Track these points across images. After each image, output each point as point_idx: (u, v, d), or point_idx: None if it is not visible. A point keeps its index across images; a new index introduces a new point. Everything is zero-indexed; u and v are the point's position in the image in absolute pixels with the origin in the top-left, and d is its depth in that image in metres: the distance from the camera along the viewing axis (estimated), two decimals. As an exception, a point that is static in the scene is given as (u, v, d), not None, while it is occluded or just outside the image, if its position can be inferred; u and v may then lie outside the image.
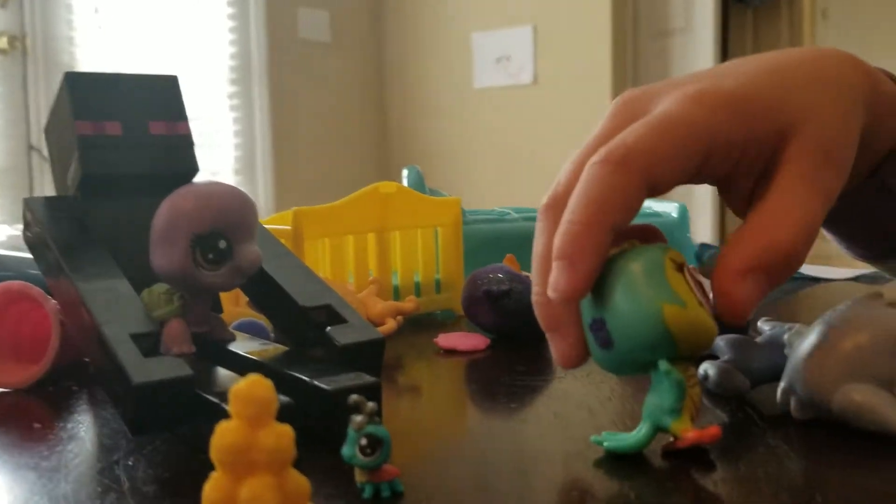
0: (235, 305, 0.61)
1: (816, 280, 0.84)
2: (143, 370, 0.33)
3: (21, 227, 0.45)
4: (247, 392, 0.22)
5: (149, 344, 0.35)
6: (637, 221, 0.33)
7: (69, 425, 0.40)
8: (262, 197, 3.21)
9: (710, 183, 0.35)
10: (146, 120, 0.43)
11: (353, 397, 0.29)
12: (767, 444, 0.34)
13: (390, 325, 0.58)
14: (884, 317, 0.35)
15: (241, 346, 0.41)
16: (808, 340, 0.36)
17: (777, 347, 0.40)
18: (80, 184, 0.41)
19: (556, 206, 0.34)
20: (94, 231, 0.41)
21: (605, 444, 0.33)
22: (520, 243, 0.68)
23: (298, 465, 0.23)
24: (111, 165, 0.41)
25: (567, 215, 0.31)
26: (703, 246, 0.84)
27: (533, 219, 0.77)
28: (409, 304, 0.60)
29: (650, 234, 0.34)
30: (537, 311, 0.34)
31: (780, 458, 0.32)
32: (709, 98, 0.32)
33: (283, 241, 0.46)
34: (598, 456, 0.33)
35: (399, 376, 0.50)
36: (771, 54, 0.36)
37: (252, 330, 0.50)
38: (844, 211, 0.37)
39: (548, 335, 0.34)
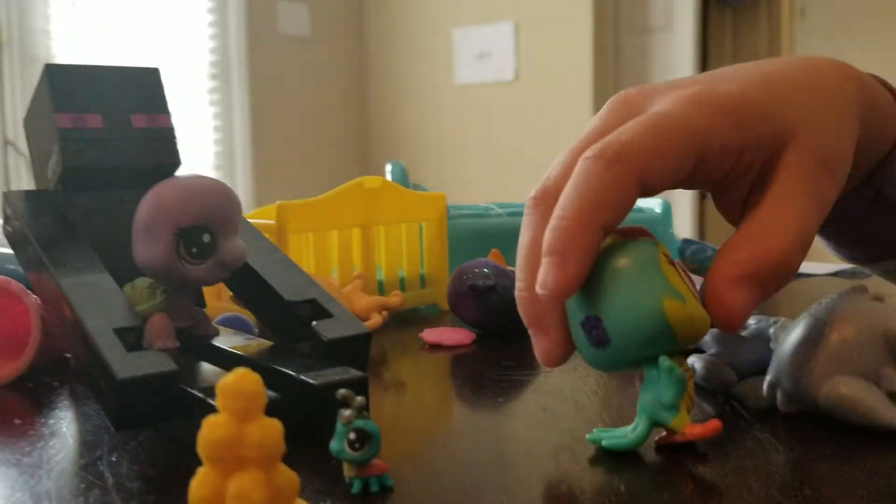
0: (218, 300, 0.61)
1: (797, 275, 0.85)
2: (127, 365, 0.33)
3: (0, 221, 0.44)
4: (235, 386, 0.22)
5: (132, 339, 0.35)
6: None
7: (51, 421, 0.39)
8: (241, 192, 3.19)
9: (704, 188, 0.35)
10: (128, 112, 0.42)
11: (342, 391, 0.29)
12: (754, 438, 0.34)
13: (375, 320, 0.57)
14: (869, 310, 0.35)
15: (226, 341, 0.41)
16: (794, 334, 0.36)
17: (763, 341, 0.40)
18: (61, 177, 0.41)
19: (546, 199, 0.33)
20: (76, 225, 0.41)
21: (603, 442, 0.33)
22: (504, 238, 0.68)
23: (286, 460, 0.23)
24: (92, 158, 0.41)
25: (558, 211, 0.31)
26: (686, 241, 0.84)
27: (518, 214, 0.77)
28: (393, 298, 0.60)
29: (637, 234, 0.33)
30: (521, 307, 0.34)
31: (768, 451, 0.32)
32: (706, 101, 0.32)
33: (266, 235, 0.46)
34: (587, 449, 0.33)
35: (384, 371, 0.50)
36: (767, 62, 0.36)
37: (236, 325, 0.49)
38: (837, 217, 0.37)
39: (531, 332, 0.34)
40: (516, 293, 0.34)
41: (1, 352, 0.47)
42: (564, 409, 0.39)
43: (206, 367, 0.38)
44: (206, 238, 0.38)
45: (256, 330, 0.51)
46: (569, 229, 0.30)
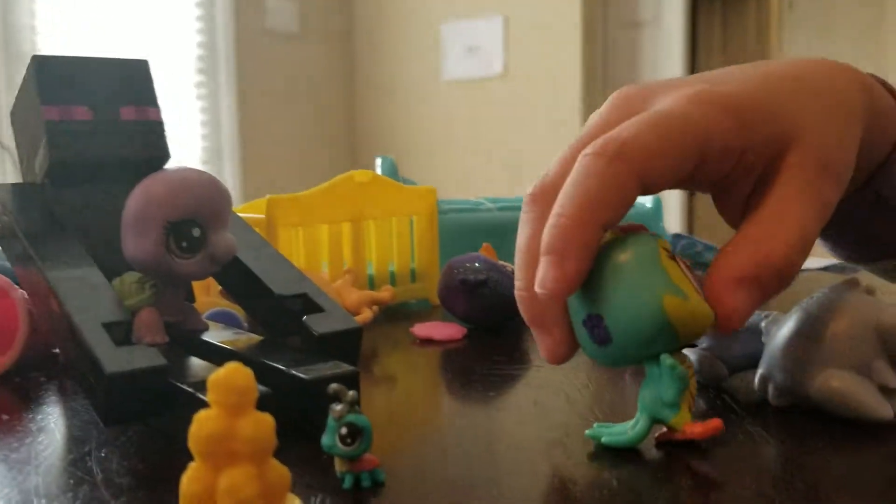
0: (207, 295, 0.60)
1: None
2: (116, 360, 0.32)
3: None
4: (226, 380, 0.22)
5: (121, 333, 0.34)
6: None
7: (38, 417, 0.39)
8: (228, 187, 3.17)
9: (704, 189, 0.35)
10: (117, 105, 0.42)
11: (333, 386, 0.29)
12: (746, 431, 0.34)
13: (366, 314, 0.57)
14: (861, 304, 0.35)
15: (215, 336, 0.41)
16: (786, 328, 0.36)
17: (754, 335, 0.40)
18: (48, 171, 0.40)
19: (544, 196, 0.33)
20: (64, 219, 0.40)
21: (603, 439, 0.32)
22: (495, 233, 0.68)
23: (277, 454, 0.23)
24: (80, 152, 0.40)
25: (557, 208, 0.30)
26: (677, 236, 0.84)
27: (508, 209, 0.77)
28: (384, 293, 0.60)
29: (635, 230, 0.33)
30: (521, 307, 0.33)
31: (759, 445, 0.32)
32: (708, 100, 0.32)
33: (256, 229, 0.45)
34: (578, 443, 0.33)
35: (375, 366, 0.49)
36: (770, 63, 0.36)
37: (225, 319, 0.49)
38: (838, 219, 0.37)
39: (534, 331, 0.33)
40: (516, 292, 0.33)
41: (-12, 347, 0.47)
42: (556, 403, 0.39)
43: (196, 362, 0.38)
44: (196, 232, 0.37)
45: (246, 325, 0.51)
46: (568, 228, 0.29)
